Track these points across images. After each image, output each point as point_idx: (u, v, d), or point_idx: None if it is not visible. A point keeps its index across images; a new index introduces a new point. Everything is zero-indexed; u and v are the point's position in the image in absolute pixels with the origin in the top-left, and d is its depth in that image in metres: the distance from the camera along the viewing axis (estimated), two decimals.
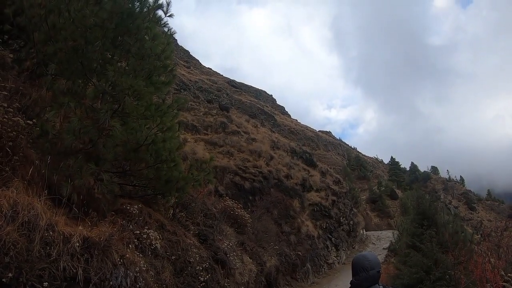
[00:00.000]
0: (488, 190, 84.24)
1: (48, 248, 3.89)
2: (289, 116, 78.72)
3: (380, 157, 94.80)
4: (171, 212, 7.76)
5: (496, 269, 8.61)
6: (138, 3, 6.45)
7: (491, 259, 9.35)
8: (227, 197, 12.95)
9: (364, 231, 29.96)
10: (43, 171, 4.68)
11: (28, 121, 4.80)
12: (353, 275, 3.35)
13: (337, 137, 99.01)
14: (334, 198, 23.54)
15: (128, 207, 6.03)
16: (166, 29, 6.80)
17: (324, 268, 19.54)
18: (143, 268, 5.16)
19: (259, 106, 57.30)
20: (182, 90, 36.62)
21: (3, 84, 5.21)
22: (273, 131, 38.66)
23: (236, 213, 11.35)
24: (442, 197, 62.46)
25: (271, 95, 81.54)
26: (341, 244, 22.45)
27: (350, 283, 3.36)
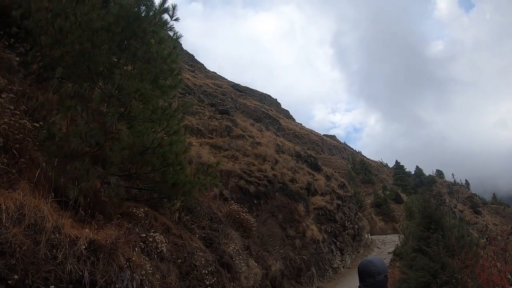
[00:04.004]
0: (494, 194, 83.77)
1: (54, 250, 3.88)
2: (294, 120, 78.71)
3: (384, 161, 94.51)
4: (177, 215, 7.75)
5: (502, 273, 8.56)
6: (144, 7, 6.47)
7: (497, 263, 9.30)
8: (232, 201, 12.92)
9: (369, 235, 29.85)
10: (49, 174, 4.68)
11: (35, 124, 4.82)
12: (360, 281, 3.30)
13: (342, 141, 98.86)
14: (339, 202, 23.49)
15: (134, 210, 6.02)
16: (172, 33, 6.81)
17: (329, 273, 19.47)
18: (149, 271, 5.14)
19: (264, 110, 57.33)
20: (187, 94, 36.69)
21: (9, 87, 5.23)
22: (278, 135, 38.66)
23: (241, 217, 11.31)
24: (447, 201, 62.16)
25: (276, 99, 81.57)
26: (346, 248, 22.38)
27: None
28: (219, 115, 27.01)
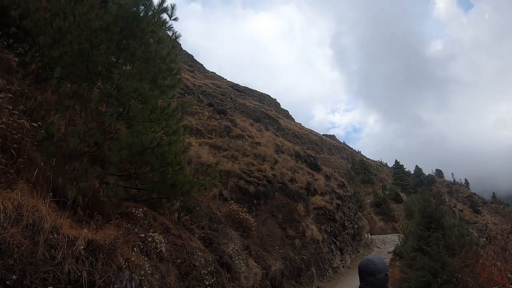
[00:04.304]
0: (493, 193, 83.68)
1: (52, 250, 3.86)
2: (293, 120, 78.67)
3: (384, 161, 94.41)
4: (176, 215, 7.73)
5: (503, 272, 8.56)
6: (143, 7, 6.46)
7: (497, 262, 9.30)
8: (231, 201, 12.90)
9: (369, 234, 29.83)
10: (48, 174, 4.66)
11: (33, 124, 4.80)
12: (360, 280, 3.30)
13: (341, 141, 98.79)
14: (339, 201, 23.47)
15: (133, 210, 6.00)
16: (170, 33, 6.80)
17: (329, 272, 19.45)
18: (148, 271, 5.12)
19: (263, 110, 57.28)
20: (186, 94, 36.65)
21: (8, 87, 5.21)
22: (277, 135, 38.66)
23: (241, 217, 11.29)
24: (447, 200, 62.12)
25: (275, 99, 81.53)
26: (346, 248, 22.36)
27: None
28: (218, 115, 27.00)
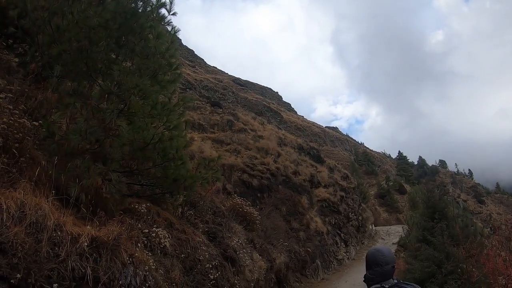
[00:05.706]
0: (497, 183, 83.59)
1: (56, 248, 3.88)
2: (296, 112, 78.56)
3: (387, 152, 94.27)
4: (180, 210, 7.75)
5: (508, 262, 8.56)
6: (141, 3, 6.47)
7: (501, 253, 9.29)
8: (235, 195, 12.92)
9: (373, 226, 29.80)
10: (50, 172, 4.68)
11: (34, 123, 4.80)
12: (367, 269, 3.31)
13: (344, 133, 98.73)
14: (343, 193, 23.44)
15: (136, 206, 6.02)
16: (170, 28, 6.79)
17: (333, 264, 19.46)
18: (152, 266, 5.15)
19: (265, 104, 57.20)
20: (187, 89, 36.65)
21: (8, 87, 5.22)
22: (280, 128, 38.64)
23: (245, 210, 11.32)
24: (450, 190, 62.03)
25: (277, 92, 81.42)
26: (350, 239, 22.36)
27: (364, 276, 3.32)
28: (220, 109, 26.99)
